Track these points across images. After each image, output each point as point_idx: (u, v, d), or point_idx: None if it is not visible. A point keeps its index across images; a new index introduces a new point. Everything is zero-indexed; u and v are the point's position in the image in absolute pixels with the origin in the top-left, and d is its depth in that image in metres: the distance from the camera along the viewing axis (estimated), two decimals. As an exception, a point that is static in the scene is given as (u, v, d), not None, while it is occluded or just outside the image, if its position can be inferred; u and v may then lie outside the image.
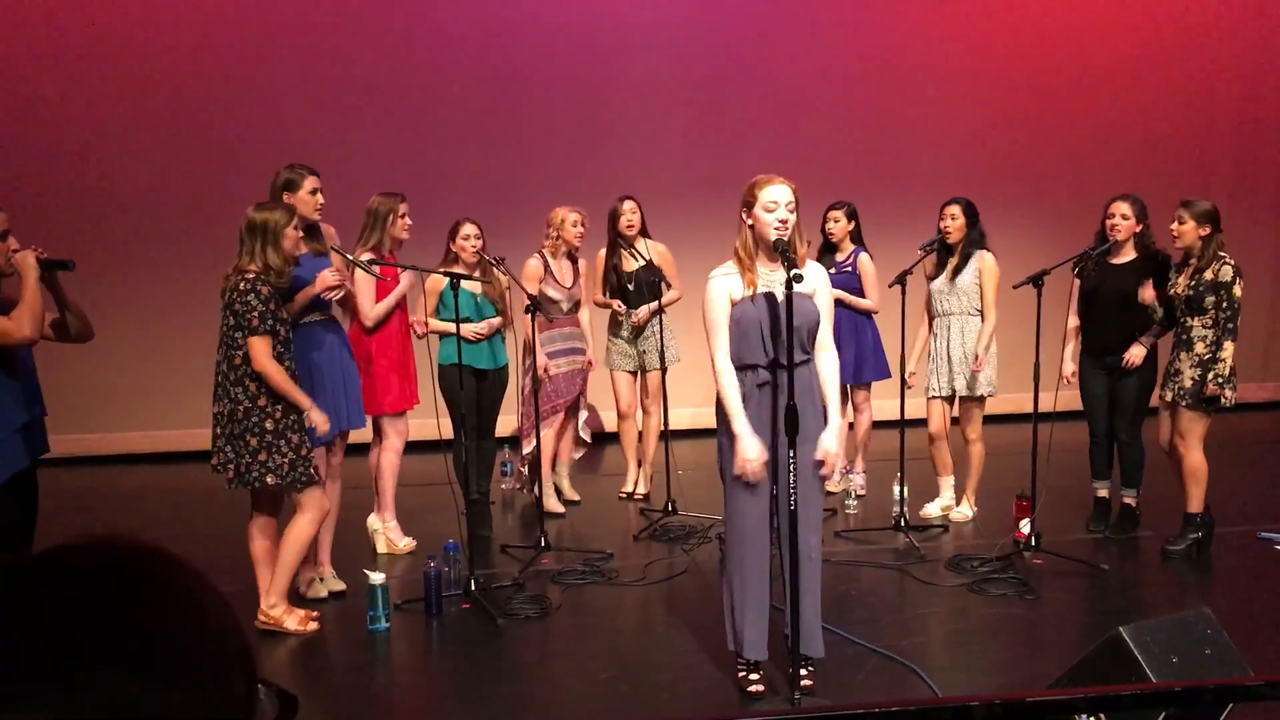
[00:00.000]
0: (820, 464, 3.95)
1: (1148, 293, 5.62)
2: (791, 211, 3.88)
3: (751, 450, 3.87)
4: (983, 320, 6.06)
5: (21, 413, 3.96)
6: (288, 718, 0.81)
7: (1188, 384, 5.45)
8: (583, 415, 6.84)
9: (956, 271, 6.06)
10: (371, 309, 5.52)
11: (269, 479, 4.52)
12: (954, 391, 6.13)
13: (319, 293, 4.88)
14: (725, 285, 3.98)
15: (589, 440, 7.03)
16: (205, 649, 0.74)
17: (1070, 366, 5.93)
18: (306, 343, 4.93)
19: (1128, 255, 5.75)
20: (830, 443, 3.95)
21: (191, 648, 0.73)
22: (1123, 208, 5.72)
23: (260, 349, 4.42)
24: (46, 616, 0.69)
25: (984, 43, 9.08)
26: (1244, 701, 1.41)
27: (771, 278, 3.94)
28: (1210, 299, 5.40)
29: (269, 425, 4.49)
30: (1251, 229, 8.92)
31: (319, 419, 4.61)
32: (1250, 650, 3.46)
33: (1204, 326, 5.44)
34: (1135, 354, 5.69)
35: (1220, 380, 5.36)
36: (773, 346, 3.91)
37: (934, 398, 6.20)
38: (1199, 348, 5.44)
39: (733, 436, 3.92)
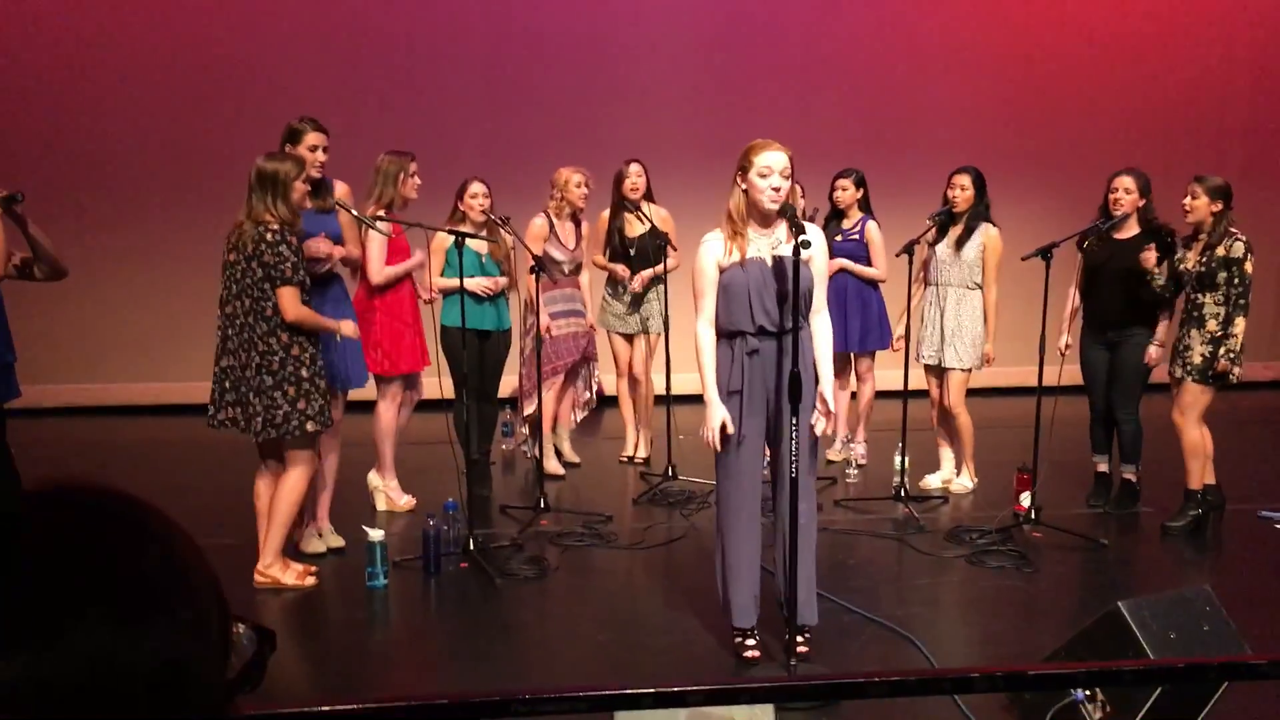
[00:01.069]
0: (817, 425, 3.93)
1: (1150, 256, 5.55)
2: (786, 178, 3.83)
3: (715, 418, 3.89)
4: (983, 295, 6.02)
5: None
6: (266, 653, 0.81)
7: (1198, 360, 5.42)
8: (594, 371, 6.82)
9: (960, 242, 6.01)
10: (381, 268, 5.49)
11: (309, 425, 4.54)
12: (944, 362, 6.09)
13: (310, 254, 4.84)
14: (713, 250, 3.95)
15: (595, 400, 6.98)
16: (178, 589, 0.73)
17: (1065, 340, 5.90)
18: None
19: (1131, 230, 5.71)
20: (828, 394, 3.95)
21: (164, 589, 0.72)
22: (1125, 181, 5.67)
23: (292, 298, 4.42)
24: (16, 566, 0.68)
25: (997, 13, 8.98)
26: (1247, 680, 1.39)
27: (762, 243, 3.91)
28: (1222, 275, 5.36)
29: (304, 373, 4.51)
30: (1263, 206, 8.84)
31: (350, 329, 4.76)
32: (1248, 628, 3.46)
33: (1215, 303, 5.41)
34: (1153, 355, 5.69)
35: (1233, 356, 5.33)
36: (762, 313, 3.88)
37: (927, 365, 6.18)
38: (1210, 324, 5.41)
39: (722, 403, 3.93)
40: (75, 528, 0.71)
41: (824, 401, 3.96)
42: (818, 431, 3.97)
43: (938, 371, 6.16)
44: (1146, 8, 9.10)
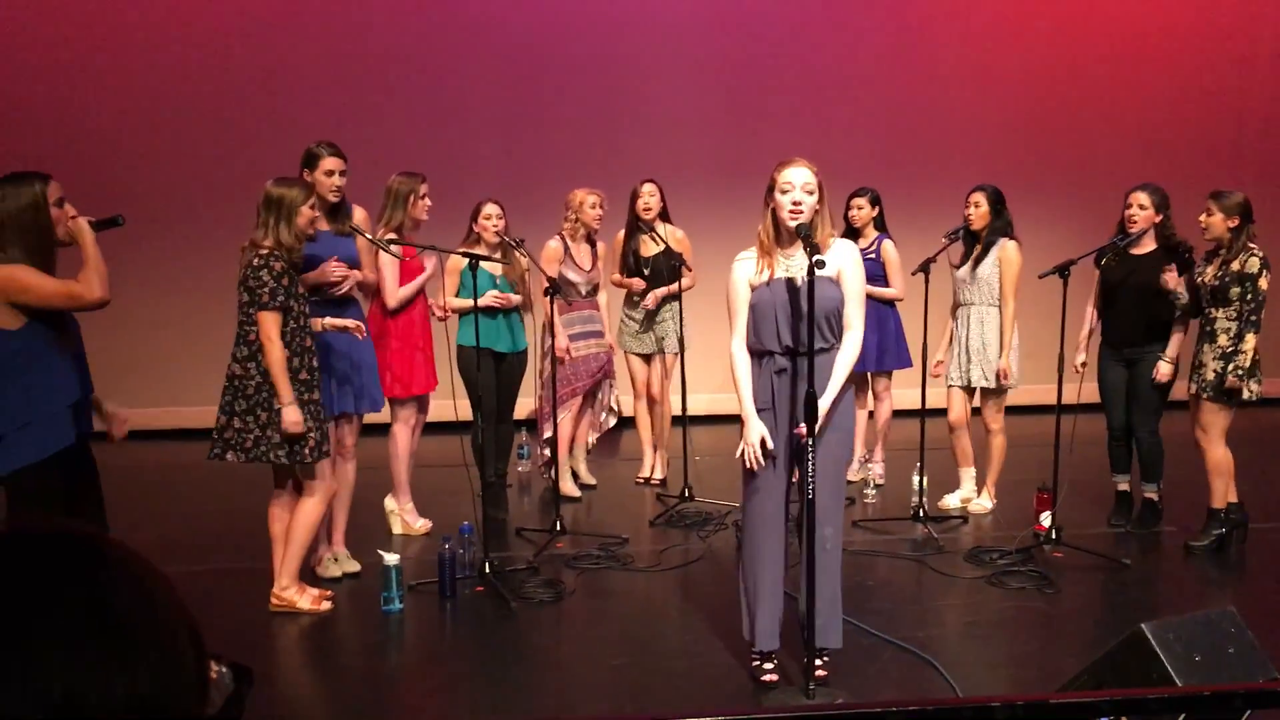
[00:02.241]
0: (831, 449, 3.87)
1: (1171, 276, 5.52)
2: (809, 193, 3.80)
3: (754, 434, 3.84)
4: (1001, 313, 5.98)
5: (76, 389, 3.90)
6: (245, 691, 0.79)
7: (1210, 376, 5.37)
8: (612, 393, 6.81)
9: (978, 261, 5.98)
10: (395, 291, 5.50)
11: (276, 454, 4.50)
12: (971, 382, 6.06)
13: (318, 281, 4.84)
14: (744, 270, 3.95)
15: (620, 412, 6.96)
16: (149, 628, 0.72)
17: (1080, 357, 5.84)
18: None
19: (1148, 246, 5.66)
20: (822, 404, 3.79)
21: (134, 628, 0.71)
22: (1141, 198, 5.63)
23: (269, 324, 4.41)
24: None
25: (1013, 31, 8.97)
26: (1275, 708, 1.36)
27: (791, 263, 3.88)
28: (1235, 290, 5.31)
29: (278, 403, 4.47)
30: (1278, 221, 8.77)
31: (291, 417, 4.44)
32: (1275, 649, 3.40)
33: (1228, 319, 5.36)
34: (1163, 371, 5.63)
35: (1241, 373, 5.28)
36: (789, 334, 3.85)
37: (952, 387, 6.14)
38: (1222, 339, 5.36)
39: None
40: (42, 570, 0.70)
41: (814, 416, 3.76)
42: (797, 431, 3.80)
43: (966, 392, 6.12)
44: (1164, 25, 9.07)
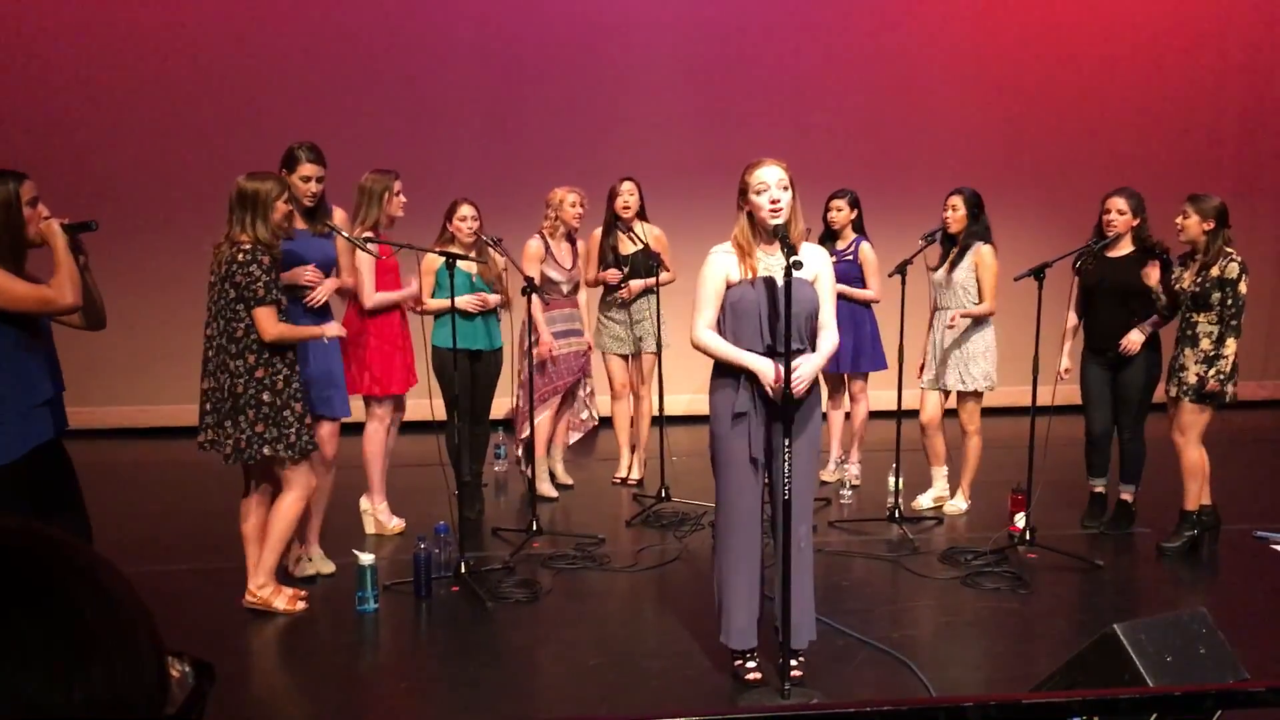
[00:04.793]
0: (804, 450, 3.87)
1: (1153, 274, 5.56)
2: (785, 190, 3.79)
3: (769, 370, 3.77)
4: (983, 310, 6.02)
5: (49, 386, 3.88)
6: (205, 688, 0.78)
7: (1191, 380, 5.42)
8: (586, 392, 6.81)
9: (954, 264, 6.01)
10: (373, 291, 5.47)
11: (265, 450, 4.47)
12: (946, 385, 6.09)
13: (289, 283, 4.78)
14: (724, 263, 3.91)
15: (596, 419, 6.97)
16: (108, 629, 0.70)
17: (1066, 363, 5.88)
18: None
19: (1126, 249, 5.71)
20: (805, 368, 3.81)
21: (93, 630, 0.69)
22: (1118, 202, 5.67)
23: (268, 318, 4.38)
24: None
25: (990, 34, 9.02)
26: (1245, 708, 1.37)
27: (770, 261, 3.88)
28: (1216, 295, 5.36)
29: (266, 397, 4.44)
30: (1255, 225, 8.87)
31: (335, 329, 4.79)
32: (1245, 649, 3.43)
33: (1209, 323, 5.41)
34: (1133, 339, 5.63)
35: (1222, 377, 5.33)
36: (769, 333, 3.85)
37: (925, 388, 6.17)
38: (1204, 344, 5.41)
39: (726, 426, 3.89)
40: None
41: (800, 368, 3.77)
42: (799, 380, 3.81)
43: (936, 393, 6.15)
44: (1140, 30, 9.14)
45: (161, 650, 0.74)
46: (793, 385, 3.74)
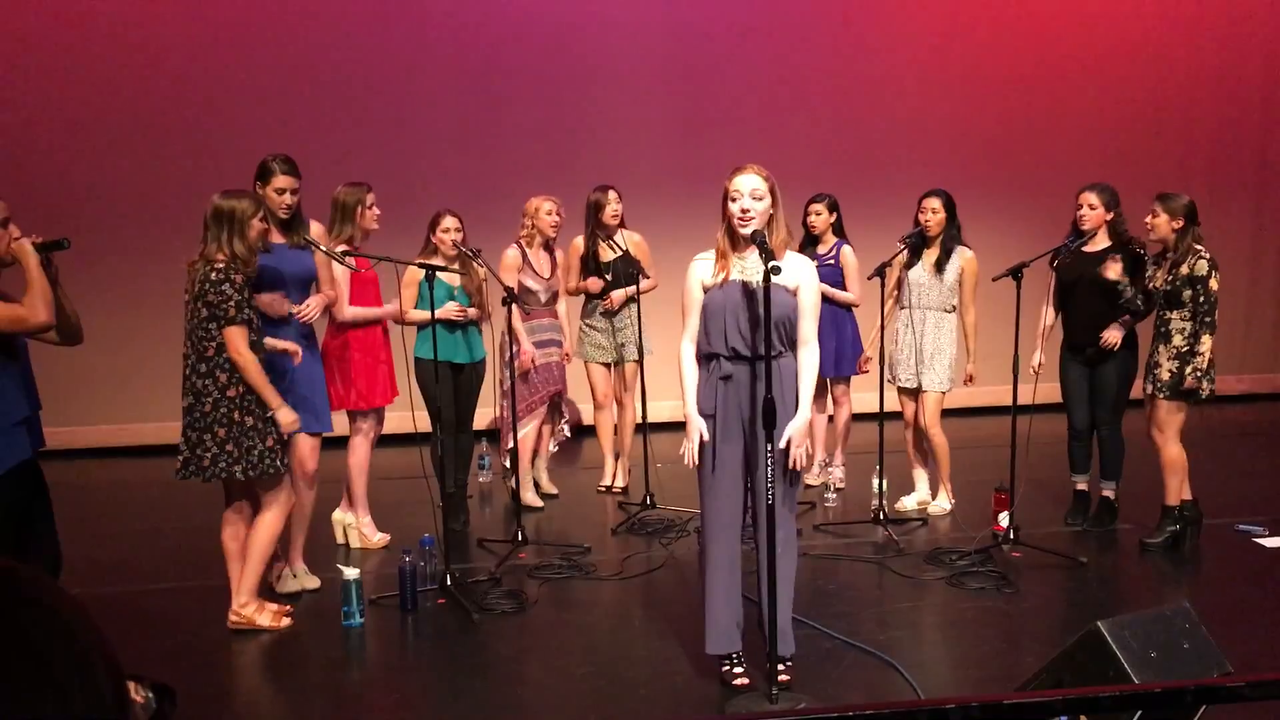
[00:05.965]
0: (785, 454, 3.89)
1: (1114, 267, 5.59)
2: (758, 199, 3.82)
3: (694, 431, 3.91)
4: (961, 317, 6.06)
5: (25, 404, 3.86)
6: (167, 711, 0.78)
7: (1166, 377, 5.46)
8: (564, 416, 6.82)
9: (940, 266, 6.03)
10: (346, 305, 5.46)
11: (235, 469, 4.44)
12: (923, 386, 6.10)
13: (263, 309, 4.76)
14: (699, 270, 3.98)
15: (570, 435, 6.99)
16: (62, 656, 0.70)
17: (1038, 358, 5.89)
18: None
19: (1102, 243, 5.74)
20: (793, 432, 3.88)
21: (47, 657, 0.69)
22: (1091, 198, 5.71)
23: (237, 339, 4.35)
24: None
25: (964, 37, 9.06)
26: (1227, 703, 1.38)
27: (746, 264, 3.91)
28: (1187, 293, 5.40)
29: (237, 417, 4.42)
30: (1228, 221, 8.94)
31: (287, 419, 4.52)
32: (1228, 644, 3.45)
33: (1182, 320, 5.45)
34: (1111, 335, 5.66)
35: (1199, 374, 5.37)
36: (738, 337, 3.87)
37: (904, 390, 6.19)
38: (1177, 340, 5.45)
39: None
40: None
41: (789, 441, 3.86)
42: (796, 462, 3.93)
43: (914, 394, 6.18)
44: (1113, 30, 9.20)
45: (120, 676, 0.73)
46: (791, 459, 3.87)
